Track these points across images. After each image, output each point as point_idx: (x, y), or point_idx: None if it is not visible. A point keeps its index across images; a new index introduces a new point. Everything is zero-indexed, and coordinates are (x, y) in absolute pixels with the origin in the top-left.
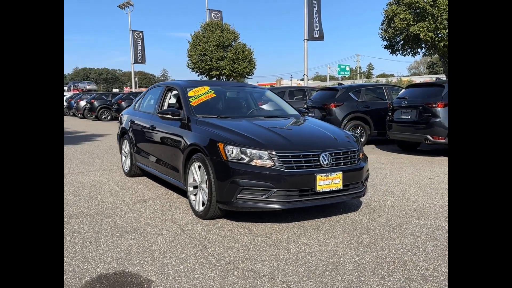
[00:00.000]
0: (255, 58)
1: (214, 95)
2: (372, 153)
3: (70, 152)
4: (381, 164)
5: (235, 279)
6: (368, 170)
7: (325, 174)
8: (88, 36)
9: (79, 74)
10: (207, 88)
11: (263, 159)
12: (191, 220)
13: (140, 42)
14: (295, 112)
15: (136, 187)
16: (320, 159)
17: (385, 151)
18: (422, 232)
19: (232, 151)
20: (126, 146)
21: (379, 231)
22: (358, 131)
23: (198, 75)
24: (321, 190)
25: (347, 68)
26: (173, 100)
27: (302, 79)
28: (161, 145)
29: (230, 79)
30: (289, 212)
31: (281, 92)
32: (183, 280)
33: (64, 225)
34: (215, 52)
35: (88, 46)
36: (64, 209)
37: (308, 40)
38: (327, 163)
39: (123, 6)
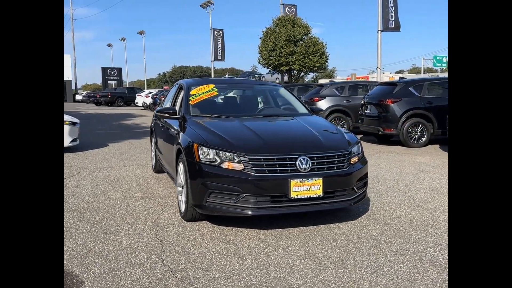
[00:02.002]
0: (327, 51)
1: (216, 93)
2: (431, 154)
3: (126, 146)
4: (429, 167)
5: None
6: (365, 174)
7: (300, 179)
8: (184, 35)
9: (176, 72)
10: (211, 86)
11: (233, 161)
12: (174, 221)
13: (220, 40)
14: (305, 111)
15: (153, 183)
16: (297, 163)
17: (445, 152)
18: (410, 250)
19: (204, 153)
20: (152, 142)
21: (360, 245)
22: (419, 129)
23: (270, 71)
24: (295, 197)
25: (444, 60)
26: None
27: (396, 72)
28: (165, 143)
29: (301, 74)
30: (276, 218)
31: (340, 86)
32: (113, 285)
33: None
34: (285, 47)
35: (185, 44)
36: (68, 203)
37: (382, 31)
38: (304, 167)
39: (205, 5)
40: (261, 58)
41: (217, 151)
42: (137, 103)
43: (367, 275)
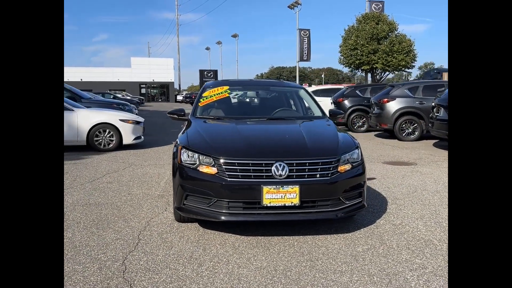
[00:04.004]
0: (415, 49)
1: (228, 95)
2: None
3: None
4: None
5: None
6: (358, 184)
7: (274, 186)
8: (281, 36)
9: (273, 73)
10: (225, 88)
11: (209, 165)
12: (167, 221)
13: (306, 40)
14: (319, 115)
15: None
16: (273, 169)
17: None
18: (384, 272)
19: (186, 155)
20: None
21: (333, 261)
22: None
23: (351, 70)
24: (268, 204)
25: None
26: None
27: None
28: None
29: (384, 73)
30: (267, 225)
31: (413, 87)
32: (64, 279)
33: (65, 211)
34: (367, 45)
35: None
36: (88, 198)
37: None
38: (280, 174)
39: (292, 6)
40: (342, 57)
41: (196, 154)
42: None
43: None
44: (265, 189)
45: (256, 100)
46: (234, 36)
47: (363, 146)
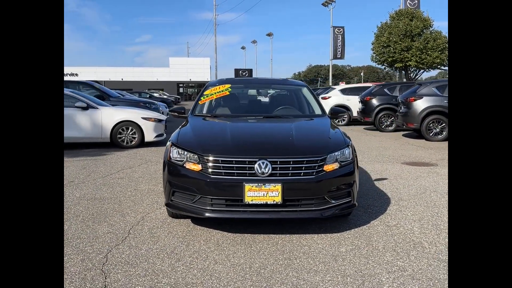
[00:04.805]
0: None
1: (228, 93)
2: None
3: None
4: None
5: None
6: (347, 184)
7: (256, 184)
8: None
9: (311, 71)
10: (227, 86)
11: (195, 162)
12: (162, 216)
13: (340, 38)
14: (319, 113)
15: None
16: (256, 167)
17: None
18: (360, 273)
19: (174, 152)
20: None
21: (311, 260)
22: None
23: (385, 68)
24: (250, 202)
25: None
26: None
27: None
28: None
29: (418, 71)
30: (259, 222)
31: (442, 85)
32: None
33: (69, 205)
34: (400, 42)
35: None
36: (95, 192)
37: None
38: (263, 172)
39: (326, 4)
40: (374, 54)
41: (184, 151)
42: None
43: None
44: (247, 186)
45: (257, 98)
46: (269, 34)
47: (387, 146)
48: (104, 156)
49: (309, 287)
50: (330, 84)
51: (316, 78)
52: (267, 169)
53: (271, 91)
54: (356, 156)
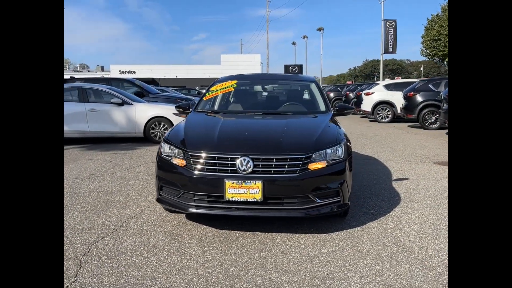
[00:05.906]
0: None
1: (233, 89)
2: None
3: None
4: None
5: None
6: (338, 183)
7: (237, 181)
8: (373, 29)
9: (367, 66)
10: (233, 82)
11: (180, 158)
12: (159, 210)
13: (392, 31)
14: (323, 110)
15: None
16: (237, 163)
17: None
18: (331, 276)
19: (165, 148)
20: None
21: (286, 260)
22: None
23: (436, 62)
24: (231, 199)
25: None
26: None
27: None
28: None
29: None
30: (250, 220)
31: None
32: None
33: (80, 196)
34: None
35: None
36: (109, 185)
37: None
38: (244, 168)
39: None
40: (423, 48)
41: (173, 146)
42: None
43: None
44: (228, 183)
45: (262, 94)
46: (319, 29)
47: (424, 145)
48: (133, 150)
49: (272, 287)
50: (381, 79)
51: (373, 73)
52: (248, 166)
53: (278, 87)
54: (350, 154)
